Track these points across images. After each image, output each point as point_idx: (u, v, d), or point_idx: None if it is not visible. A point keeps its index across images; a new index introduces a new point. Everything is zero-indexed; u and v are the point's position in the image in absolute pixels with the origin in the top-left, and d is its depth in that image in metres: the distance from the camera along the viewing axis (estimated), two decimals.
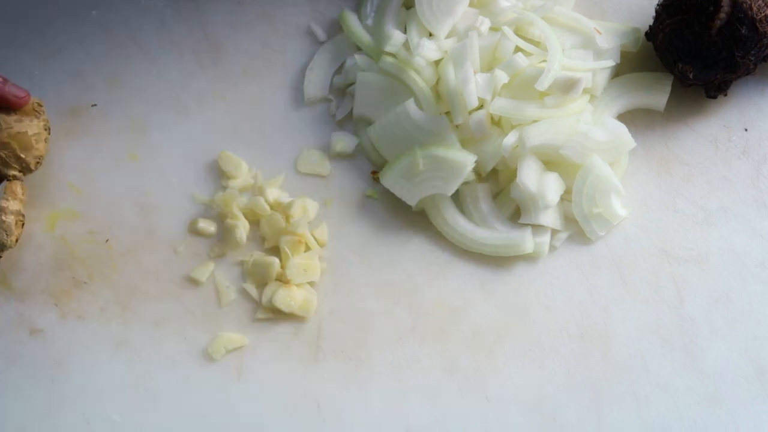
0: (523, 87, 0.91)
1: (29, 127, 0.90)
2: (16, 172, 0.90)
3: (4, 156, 0.89)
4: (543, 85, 0.89)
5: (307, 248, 0.91)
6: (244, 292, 0.91)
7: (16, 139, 0.89)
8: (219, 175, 0.94)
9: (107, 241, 0.92)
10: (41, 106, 0.92)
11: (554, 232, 0.92)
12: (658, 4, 0.94)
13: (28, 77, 0.97)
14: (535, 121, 0.90)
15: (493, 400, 0.87)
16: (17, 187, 0.90)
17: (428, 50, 0.93)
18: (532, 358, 0.88)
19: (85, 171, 0.95)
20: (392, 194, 0.92)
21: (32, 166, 0.90)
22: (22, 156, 0.90)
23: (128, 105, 0.97)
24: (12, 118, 0.90)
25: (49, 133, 0.92)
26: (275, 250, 0.91)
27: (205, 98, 0.98)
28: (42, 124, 0.91)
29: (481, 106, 0.92)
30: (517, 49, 0.93)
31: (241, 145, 0.95)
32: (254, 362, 0.88)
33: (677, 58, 0.92)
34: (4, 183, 0.90)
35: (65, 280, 0.91)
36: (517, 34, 0.93)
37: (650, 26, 0.95)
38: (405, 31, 0.95)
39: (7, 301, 0.90)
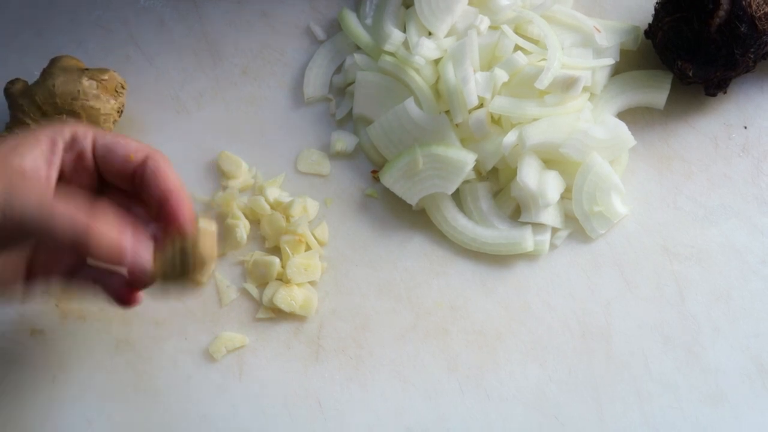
0: (523, 85, 0.91)
1: (103, 105, 0.91)
2: None
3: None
4: (543, 83, 0.89)
5: (308, 247, 0.91)
6: (244, 292, 0.91)
7: (87, 112, 0.90)
8: (219, 175, 0.94)
9: None
10: (123, 88, 0.92)
11: (554, 230, 0.92)
12: (657, 2, 0.94)
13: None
14: (535, 120, 0.90)
15: (494, 398, 0.87)
16: None
17: (427, 49, 0.92)
18: (534, 356, 0.88)
19: None
20: (392, 193, 0.92)
21: None
22: None
23: (128, 105, 0.96)
24: (91, 92, 0.90)
25: (119, 117, 0.92)
26: (276, 250, 0.91)
27: (205, 98, 0.97)
28: (117, 106, 0.92)
29: (480, 105, 0.92)
30: (517, 48, 0.93)
31: (241, 145, 0.95)
32: (255, 362, 0.88)
33: (677, 55, 0.92)
34: None
35: None
36: (516, 33, 0.93)
37: (649, 24, 0.95)
38: (404, 30, 0.95)
39: (8, 302, 0.90)
